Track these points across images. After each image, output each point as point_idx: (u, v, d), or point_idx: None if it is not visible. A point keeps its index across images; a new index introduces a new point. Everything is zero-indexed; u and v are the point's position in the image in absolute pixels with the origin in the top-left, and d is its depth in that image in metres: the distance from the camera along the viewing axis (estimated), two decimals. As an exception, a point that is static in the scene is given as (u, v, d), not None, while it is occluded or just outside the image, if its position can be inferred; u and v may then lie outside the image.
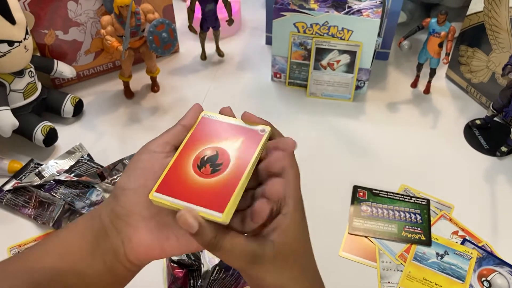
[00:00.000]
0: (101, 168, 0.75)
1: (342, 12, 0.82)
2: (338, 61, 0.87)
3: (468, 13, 0.86)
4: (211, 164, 0.40)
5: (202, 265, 0.62)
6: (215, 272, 0.58)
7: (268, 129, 0.42)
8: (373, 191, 0.76)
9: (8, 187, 0.74)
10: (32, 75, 0.80)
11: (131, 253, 0.41)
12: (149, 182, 0.40)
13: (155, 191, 0.39)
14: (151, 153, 0.41)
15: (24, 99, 0.79)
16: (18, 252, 0.67)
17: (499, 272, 0.66)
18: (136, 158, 0.42)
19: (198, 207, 0.37)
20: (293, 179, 0.40)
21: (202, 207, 0.37)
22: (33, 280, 0.40)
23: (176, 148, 0.42)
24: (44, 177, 0.74)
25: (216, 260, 0.62)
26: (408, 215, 0.72)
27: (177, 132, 0.43)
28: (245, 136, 0.42)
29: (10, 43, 0.73)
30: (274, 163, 0.40)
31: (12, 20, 0.72)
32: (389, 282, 0.65)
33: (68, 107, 0.85)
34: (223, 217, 0.36)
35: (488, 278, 0.66)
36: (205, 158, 0.41)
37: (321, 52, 0.87)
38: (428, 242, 0.69)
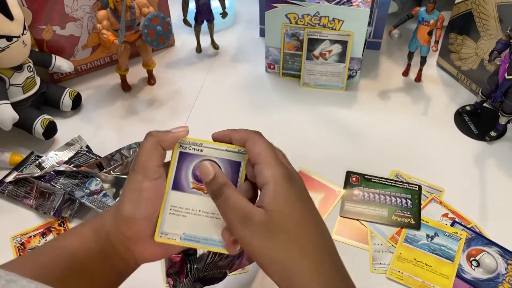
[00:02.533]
0: (99, 158, 0.77)
1: (333, 2, 0.84)
2: (330, 51, 0.89)
3: (456, 1, 0.88)
4: None
5: (197, 249, 0.64)
6: (210, 255, 0.60)
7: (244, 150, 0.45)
8: (366, 176, 0.78)
9: (9, 179, 0.76)
10: (31, 69, 0.82)
11: (140, 261, 0.46)
12: (157, 208, 0.45)
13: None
14: (152, 181, 0.44)
15: (24, 93, 0.81)
16: (21, 241, 0.69)
17: (488, 252, 0.68)
18: (138, 186, 0.43)
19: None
20: (266, 158, 0.43)
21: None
22: (44, 281, 0.42)
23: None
24: (44, 168, 0.76)
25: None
26: (399, 200, 0.74)
27: (162, 154, 0.45)
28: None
29: (9, 38, 0.75)
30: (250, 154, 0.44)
31: (10, 16, 0.74)
32: (380, 263, 0.67)
33: (66, 100, 0.87)
34: None
35: (477, 258, 0.68)
36: None
37: (313, 43, 0.88)
38: (417, 226, 0.71)
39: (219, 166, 0.45)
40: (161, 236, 0.44)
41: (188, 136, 0.46)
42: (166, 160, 0.47)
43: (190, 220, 0.45)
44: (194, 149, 0.45)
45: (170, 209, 0.45)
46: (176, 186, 0.45)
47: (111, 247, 0.44)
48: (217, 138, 0.46)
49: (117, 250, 0.44)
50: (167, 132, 0.45)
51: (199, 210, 0.45)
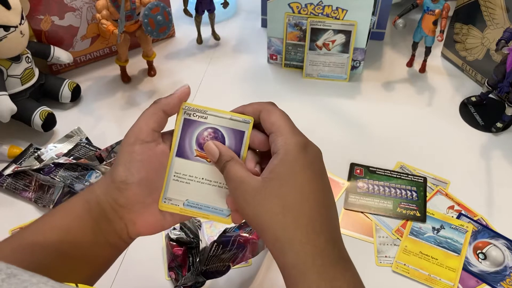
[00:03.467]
0: (99, 150, 0.75)
1: (336, -8, 0.82)
2: (333, 41, 0.87)
3: (462, -10, 0.86)
4: None
5: (200, 242, 0.63)
6: (213, 248, 0.59)
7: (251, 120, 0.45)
8: (370, 168, 0.76)
9: (8, 171, 0.74)
10: (29, 60, 0.81)
11: (133, 233, 0.45)
12: (150, 173, 0.43)
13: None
14: (144, 143, 0.42)
15: (22, 85, 0.80)
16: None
17: (494, 245, 0.67)
18: (129, 149, 0.42)
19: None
20: (280, 127, 0.42)
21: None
22: (34, 259, 0.41)
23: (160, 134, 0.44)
24: (44, 161, 0.75)
25: (214, 237, 0.63)
26: (404, 192, 0.73)
27: (161, 119, 0.43)
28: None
29: (6, 28, 0.73)
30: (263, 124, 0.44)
31: (7, 5, 0.73)
32: (386, 256, 0.66)
33: (65, 92, 0.86)
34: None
35: (484, 251, 0.66)
36: None
37: (316, 32, 0.87)
38: (422, 219, 0.70)
39: (223, 135, 0.45)
40: (165, 202, 0.44)
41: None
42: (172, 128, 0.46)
43: (194, 187, 0.45)
44: (199, 116, 0.45)
45: (174, 176, 0.45)
46: (180, 153, 0.45)
47: (104, 216, 0.43)
48: None
49: (110, 220, 0.43)
50: (170, 95, 0.44)
51: (202, 178, 0.45)
